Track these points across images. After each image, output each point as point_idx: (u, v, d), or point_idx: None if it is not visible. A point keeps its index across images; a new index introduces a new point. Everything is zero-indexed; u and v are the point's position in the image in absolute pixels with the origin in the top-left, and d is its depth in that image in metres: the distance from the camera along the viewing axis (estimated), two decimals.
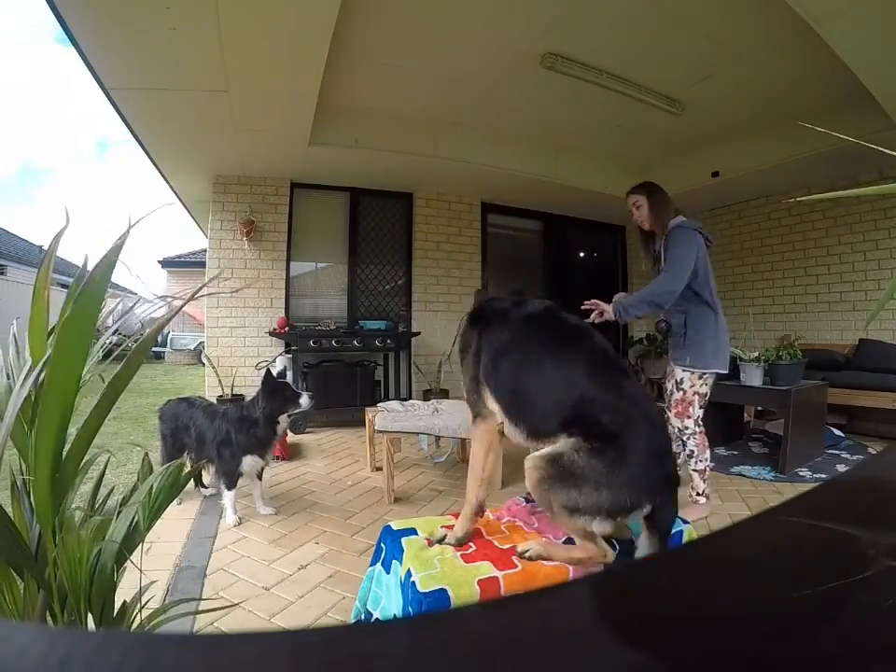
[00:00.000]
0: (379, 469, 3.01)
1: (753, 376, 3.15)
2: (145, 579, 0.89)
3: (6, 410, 0.69)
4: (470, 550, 1.27)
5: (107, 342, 0.93)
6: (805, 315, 5.02)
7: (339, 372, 4.52)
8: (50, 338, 0.75)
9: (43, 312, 0.73)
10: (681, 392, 2.31)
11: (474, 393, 1.37)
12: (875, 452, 3.48)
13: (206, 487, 2.68)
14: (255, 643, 0.23)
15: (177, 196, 5.46)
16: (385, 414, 2.79)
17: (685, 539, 1.35)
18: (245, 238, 4.60)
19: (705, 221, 6.01)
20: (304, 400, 2.26)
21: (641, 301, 2.19)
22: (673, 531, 1.26)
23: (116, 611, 0.84)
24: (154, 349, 10.70)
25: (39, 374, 0.69)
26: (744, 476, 2.98)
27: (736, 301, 5.60)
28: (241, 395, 4.31)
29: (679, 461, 2.22)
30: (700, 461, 2.32)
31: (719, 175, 4.73)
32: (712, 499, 2.45)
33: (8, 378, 0.82)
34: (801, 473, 2.97)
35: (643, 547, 1.19)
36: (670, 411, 2.36)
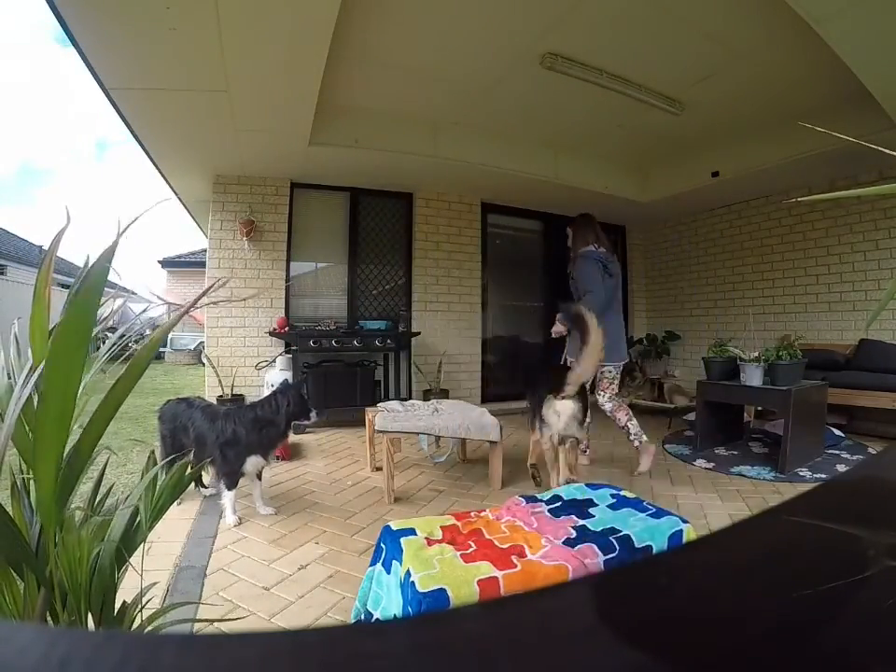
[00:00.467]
0: (379, 468, 3.01)
1: (753, 376, 3.16)
2: (145, 579, 0.89)
3: (6, 410, 0.69)
4: (470, 550, 1.28)
5: (112, 344, 0.93)
6: (805, 315, 5.02)
7: (339, 372, 4.52)
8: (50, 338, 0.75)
9: (44, 312, 0.73)
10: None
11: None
12: (875, 452, 3.48)
13: (206, 487, 2.68)
14: (255, 643, 0.23)
15: (177, 196, 5.46)
16: (385, 414, 2.79)
17: (685, 538, 1.35)
18: (244, 238, 4.59)
19: (705, 221, 6.04)
20: (313, 416, 2.53)
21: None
22: (673, 531, 1.33)
23: (116, 611, 0.85)
24: None
25: (40, 375, 0.69)
26: (744, 476, 2.99)
27: (736, 301, 5.60)
28: (241, 395, 4.31)
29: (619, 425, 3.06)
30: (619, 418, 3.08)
31: (719, 175, 4.71)
32: (712, 499, 2.64)
33: (9, 378, 0.82)
34: (801, 473, 2.97)
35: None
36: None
